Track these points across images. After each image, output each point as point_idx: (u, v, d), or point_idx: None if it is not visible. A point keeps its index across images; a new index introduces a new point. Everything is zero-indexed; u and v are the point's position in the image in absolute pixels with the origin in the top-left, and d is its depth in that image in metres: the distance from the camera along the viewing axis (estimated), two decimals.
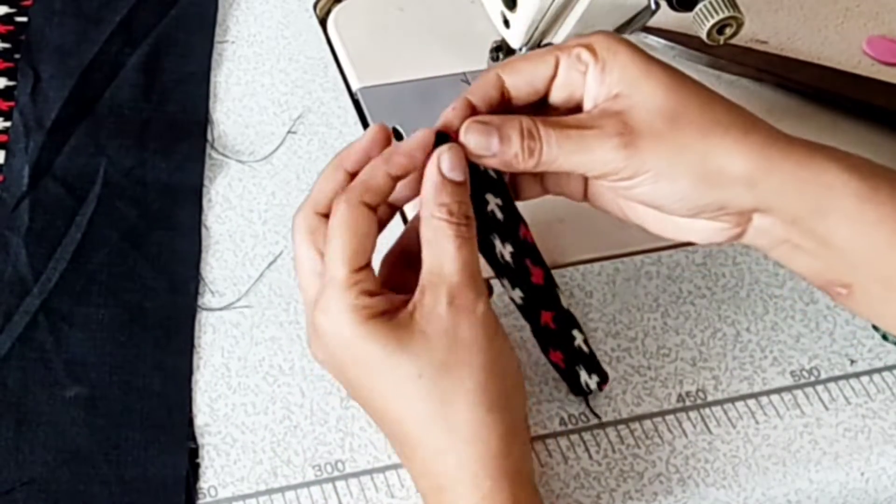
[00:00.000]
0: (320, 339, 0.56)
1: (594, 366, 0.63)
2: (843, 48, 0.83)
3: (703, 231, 0.59)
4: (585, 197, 0.62)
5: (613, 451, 0.63)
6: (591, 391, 0.63)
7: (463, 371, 0.54)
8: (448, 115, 0.57)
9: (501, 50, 0.72)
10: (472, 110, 0.58)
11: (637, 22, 0.67)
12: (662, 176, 0.56)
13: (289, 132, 0.74)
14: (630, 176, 0.56)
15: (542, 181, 0.62)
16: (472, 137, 0.56)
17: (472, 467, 0.54)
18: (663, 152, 0.55)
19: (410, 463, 0.57)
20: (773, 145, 0.56)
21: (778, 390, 0.66)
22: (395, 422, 0.56)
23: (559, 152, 0.56)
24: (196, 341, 0.65)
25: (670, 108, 0.56)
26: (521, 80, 0.59)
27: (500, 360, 0.55)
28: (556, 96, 0.59)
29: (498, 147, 0.56)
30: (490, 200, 0.59)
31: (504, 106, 0.59)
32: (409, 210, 0.70)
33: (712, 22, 0.62)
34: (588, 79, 0.58)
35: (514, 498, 0.54)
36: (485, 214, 0.58)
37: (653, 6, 0.65)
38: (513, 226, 0.60)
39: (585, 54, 0.57)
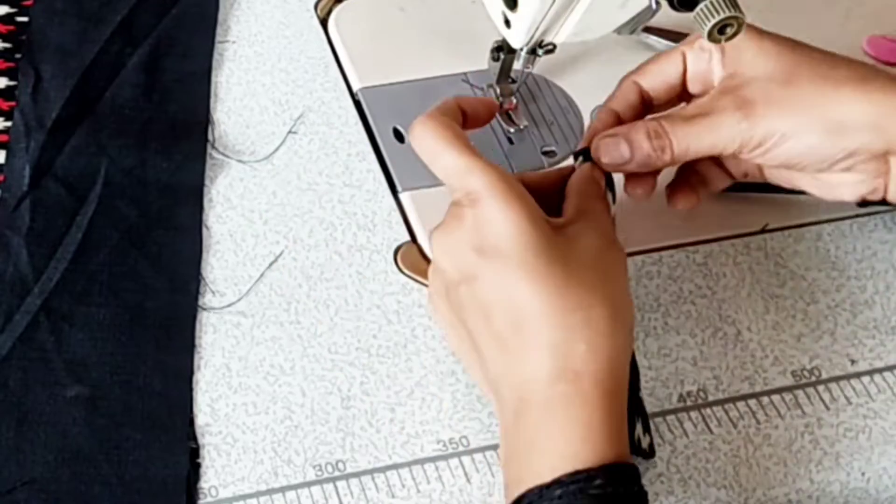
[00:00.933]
0: (483, 227, 0.56)
1: (648, 427, 0.62)
2: (843, 48, 0.82)
3: (848, 185, 0.63)
4: (763, 174, 0.67)
5: None
6: (640, 450, 0.61)
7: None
8: (596, 127, 0.64)
9: (502, 50, 0.72)
10: (617, 118, 0.63)
11: (638, 22, 0.67)
12: (788, 136, 0.60)
13: (289, 132, 0.74)
14: (759, 143, 0.61)
15: (723, 169, 0.67)
16: (604, 154, 0.62)
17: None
18: (783, 115, 0.60)
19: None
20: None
21: (779, 390, 0.66)
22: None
23: (689, 141, 0.61)
24: (197, 341, 0.65)
25: (782, 72, 0.61)
26: (657, 80, 0.64)
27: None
28: (694, 89, 0.64)
29: (629, 153, 0.61)
30: None
31: (647, 109, 0.64)
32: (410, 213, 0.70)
33: (713, 22, 0.62)
34: (713, 65, 0.63)
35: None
36: None
37: (653, 6, 0.65)
38: None
39: (706, 42, 0.60)
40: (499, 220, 0.56)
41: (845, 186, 0.63)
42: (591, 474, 0.52)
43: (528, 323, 0.55)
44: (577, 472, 0.52)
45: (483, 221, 0.56)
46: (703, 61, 0.63)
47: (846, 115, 0.60)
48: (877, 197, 0.63)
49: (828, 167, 0.62)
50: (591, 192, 0.61)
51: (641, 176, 0.64)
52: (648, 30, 0.79)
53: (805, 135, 0.60)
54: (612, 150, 0.62)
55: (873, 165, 0.62)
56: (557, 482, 0.52)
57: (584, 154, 0.63)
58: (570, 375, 0.54)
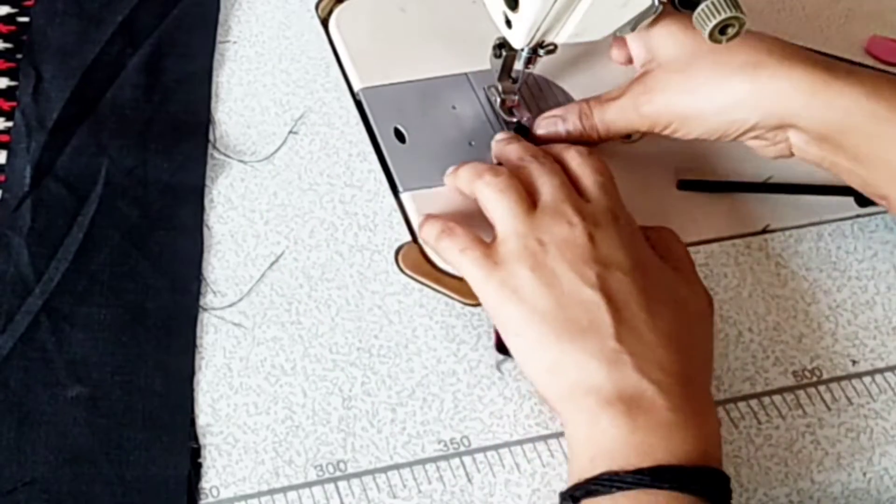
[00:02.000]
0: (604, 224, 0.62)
1: None
2: (844, 48, 0.82)
3: (762, 148, 0.68)
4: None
5: None
6: None
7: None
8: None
9: (504, 47, 0.72)
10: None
11: (640, 22, 0.67)
12: (689, 118, 0.66)
13: (290, 132, 0.74)
14: (666, 125, 0.67)
15: None
16: (543, 128, 0.71)
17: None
18: (679, 100, 0.66)
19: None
20: (805, 77, 0.63)
21: (780, 390, 0.66)
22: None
23: (607, 122, 0.69)
24: (198, 341, 0.65)
25: (681, 59, 0.66)
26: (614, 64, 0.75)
27: None
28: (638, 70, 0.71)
29: (564, 129, 0.70)
30: None
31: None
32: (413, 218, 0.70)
33: (714, 22, 0.62)
34: (638, 48, 0.70)
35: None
36: None
37: (655, 6, 0.65)
38: None
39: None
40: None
41: (761, 149, 0.68)
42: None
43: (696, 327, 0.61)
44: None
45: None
46: (635, 46, 0.70)
47: (732, 98, 0.65)
48: (786, 154, 0.68)
49: (736, 139, 0.67)
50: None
51: None
52: None
53: (700, 117, 0.66)
54: (549, 126, 0.71)
55: (772, 134, 0.66)
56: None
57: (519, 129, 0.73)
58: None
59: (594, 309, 0.58)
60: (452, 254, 0.63)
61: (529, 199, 0.63)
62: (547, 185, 0.64)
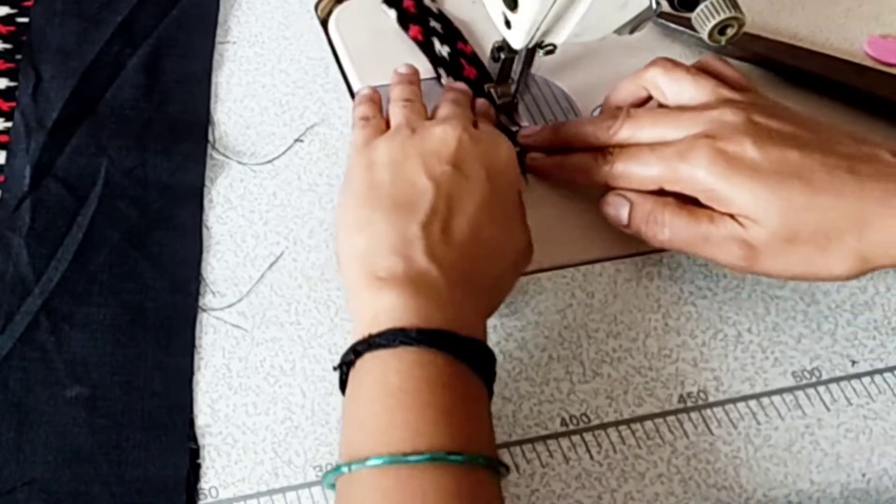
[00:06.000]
0: (480, 143, 0.64)
1: None
2: (844, 48, 0.83)
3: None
4: None
5: (615, 452, 0.63)
6: None
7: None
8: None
9: (503, 50, 0.72)
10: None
11: (638, 22, 0.67)
12: (780, 273, 0.63)
13: (296, 140, 0.74)
14: (752, 272, 0.64)
15: None
16: (609, 205, 0.67)
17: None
18: (780, 263, 0.62)
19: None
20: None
21: (779, 391, 0.66)
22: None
23: (683, 244, 0.65)
24: (197, 342, 0.65)
25: (788, 229, 0.61)
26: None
27: None
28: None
29: (627, 220, 0.66)
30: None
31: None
32: None
33: (714, 22, 0.62)
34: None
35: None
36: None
37: (654, 6, 0.65)
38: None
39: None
40: None
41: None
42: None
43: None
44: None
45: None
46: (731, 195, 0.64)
47: (834, 269, 0.62)
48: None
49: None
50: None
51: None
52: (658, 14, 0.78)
53: (794, 272, 0.63)
54: (616, 207, 0.67)
55: None
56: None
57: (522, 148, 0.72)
58: None
59: (420, 193, 0.61)
60: (355, 121, 0.69)
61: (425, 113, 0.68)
62: (445, 106, 0.68)
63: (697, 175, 0.62)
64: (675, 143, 0.64)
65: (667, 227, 0.64)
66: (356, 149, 0.65)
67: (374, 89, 0.72)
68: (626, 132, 0.66)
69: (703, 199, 0.63)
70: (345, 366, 0.57)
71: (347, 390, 0.57)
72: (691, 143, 0.63)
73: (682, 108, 0.66)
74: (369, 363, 0.56)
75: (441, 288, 0.57)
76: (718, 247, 0.63)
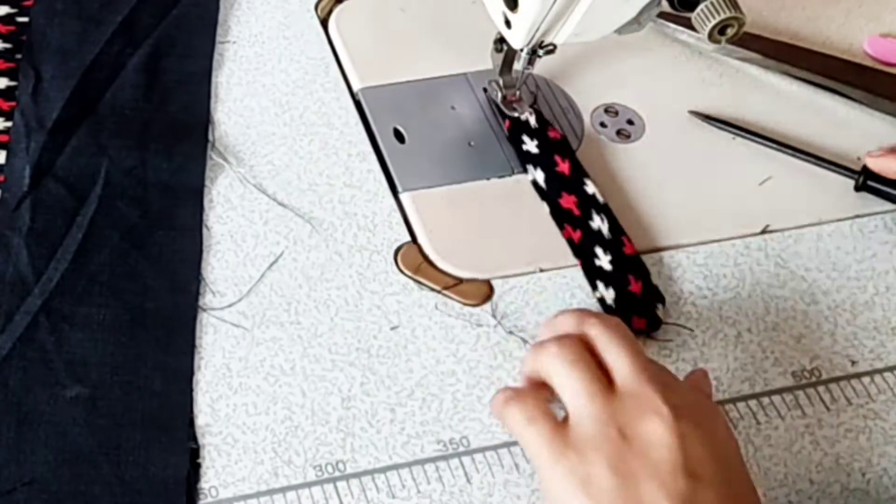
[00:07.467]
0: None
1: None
2: (844, 48, 0.83)
3: None
4: None
5: None
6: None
7: None
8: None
9: (506, 41, 0.72)
10: None
11: (645, 19, 0.67)
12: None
13: (296, 140, 0.74)
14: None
15: None
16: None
17: None
18: None
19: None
20: None
21: (779, 391, 0.66)
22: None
23: None
24: (197, 341, 0.65)
25: None
26: None
27: None
28: None
29: None
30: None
31: None
32: None
33: (714, 22, 0.62)
34: None
35: None
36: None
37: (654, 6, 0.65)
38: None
39: None
40: None
41: None
42: None
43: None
44: None
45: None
46: None
47: None
48: None
49: None
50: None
51: None
52: (659, 15, 0.78)
53: None
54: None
55: None
56: None
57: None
58: None
59: None
60: (517, 423, 0.56)
61: (602, 373, 0.56)
62: (622, 360, 0.56)
63: None
64: None
65: None
66: (553, 456, 0.54)
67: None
68: None
69: None
70: None
71: None
72: None
73: None
74: None
75: None
76: None
